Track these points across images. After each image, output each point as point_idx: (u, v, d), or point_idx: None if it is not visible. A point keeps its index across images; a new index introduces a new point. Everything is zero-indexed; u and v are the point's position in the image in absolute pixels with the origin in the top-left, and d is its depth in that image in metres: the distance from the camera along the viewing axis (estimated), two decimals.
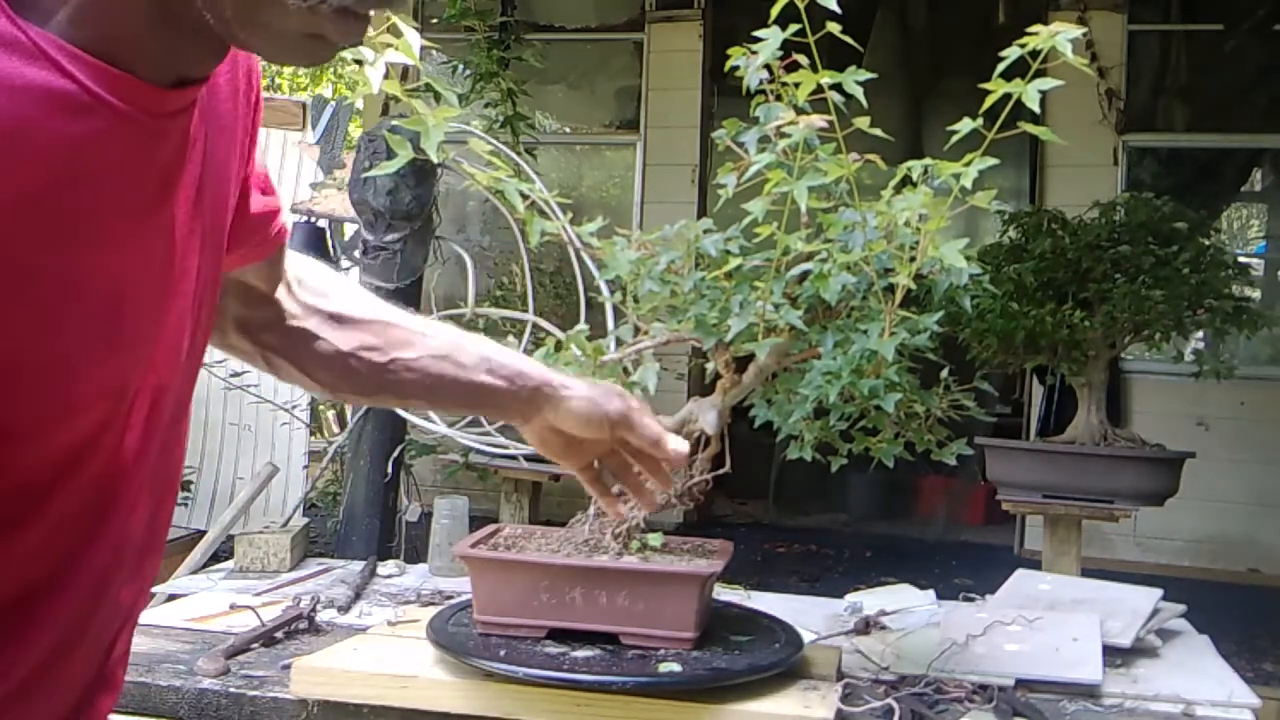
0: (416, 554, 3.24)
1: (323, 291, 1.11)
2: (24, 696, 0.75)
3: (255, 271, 1.03)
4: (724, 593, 2.00)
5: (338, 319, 1.10)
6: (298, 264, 1.10)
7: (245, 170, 0.93)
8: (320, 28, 0.70)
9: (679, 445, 1.26)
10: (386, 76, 1.28)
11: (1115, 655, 1.74)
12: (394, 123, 1.57)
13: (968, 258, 1.37)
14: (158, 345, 0.79)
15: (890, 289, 1.41)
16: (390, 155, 1.47)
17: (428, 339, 1.15)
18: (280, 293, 1.07)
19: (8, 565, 0.72)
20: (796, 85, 1.38)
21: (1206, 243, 3.44)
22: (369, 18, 0.73)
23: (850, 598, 2.07)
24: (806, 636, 1.67)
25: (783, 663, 1.52)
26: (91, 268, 0.70)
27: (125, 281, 0.73)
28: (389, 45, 1.22)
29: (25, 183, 0.64)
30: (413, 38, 1.22)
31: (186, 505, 5.07)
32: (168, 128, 0.74)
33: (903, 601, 2.03)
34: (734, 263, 1.50)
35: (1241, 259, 6.59)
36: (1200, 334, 5.18)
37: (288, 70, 12.25)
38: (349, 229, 4.46)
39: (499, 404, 1.22)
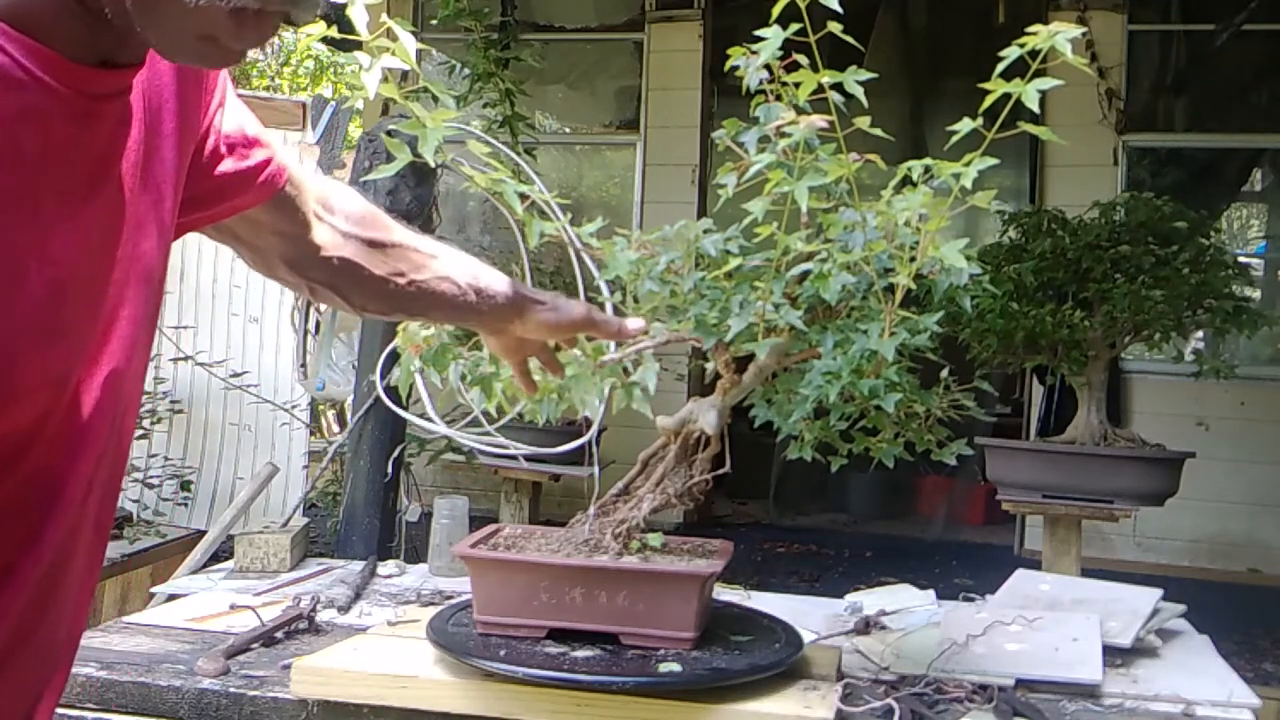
0: (416, 554, 3.24)
1: (356, 217, 1.21)
2: None
3: (268, 214, 1.08)
4: (724, 593, 2.00)
5: (372, 245, 1.21)
6: (327, 191, 1.18)
7: (204, 141, 0.93)
8: (214, 29, 0.69)
9: (636, 323, 1.47)
10: (384, 80, 1.28)
11: (1115, 655, 1.74)
12: (391, 125, 1.57)
13: (968, 258, 1.37)
14: (110, 334, 0.78)
15: (890, 289, 1.41)
16: (390, 156, 1.47)
17: (434, 261, 1.28)
18: (314, 226, 1.14)
19: None
20: (797, 85, 1.38)
21: (1206, 243, 3.45)
22: (271, 23, 0.72)
23: (850, 598, 2.07)
24: (806, 636, 1.67)
25: (783, 663, 1.52)
26: (28, 249, 0.69)
27: (64, 266, 0.72)
28: (385, 49, 1.22)
29: None
30: (409, 41, 1.22)
31: (186, 505, 5.07)
32: (102, 110, 0.73)
33: (903, 601, 2.03)
34: (734, 263, 1.50)
35: (1241, 259, 6.59)
36: (1200, 334, 5.18)
37: (288, 70, 12.25)
38: None
39: (482, 319, 1.37)
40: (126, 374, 0.82)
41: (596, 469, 2.01)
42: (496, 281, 1.35)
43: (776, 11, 1.33)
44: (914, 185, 1.41)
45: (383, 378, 2.64)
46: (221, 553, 3.07)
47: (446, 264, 1.30)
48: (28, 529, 0.76)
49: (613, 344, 1.66)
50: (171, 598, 2.07)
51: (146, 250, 0.83)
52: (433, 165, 1.47)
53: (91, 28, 0.71)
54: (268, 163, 1.03)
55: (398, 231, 1.26)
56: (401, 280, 1.24)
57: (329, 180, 1.22)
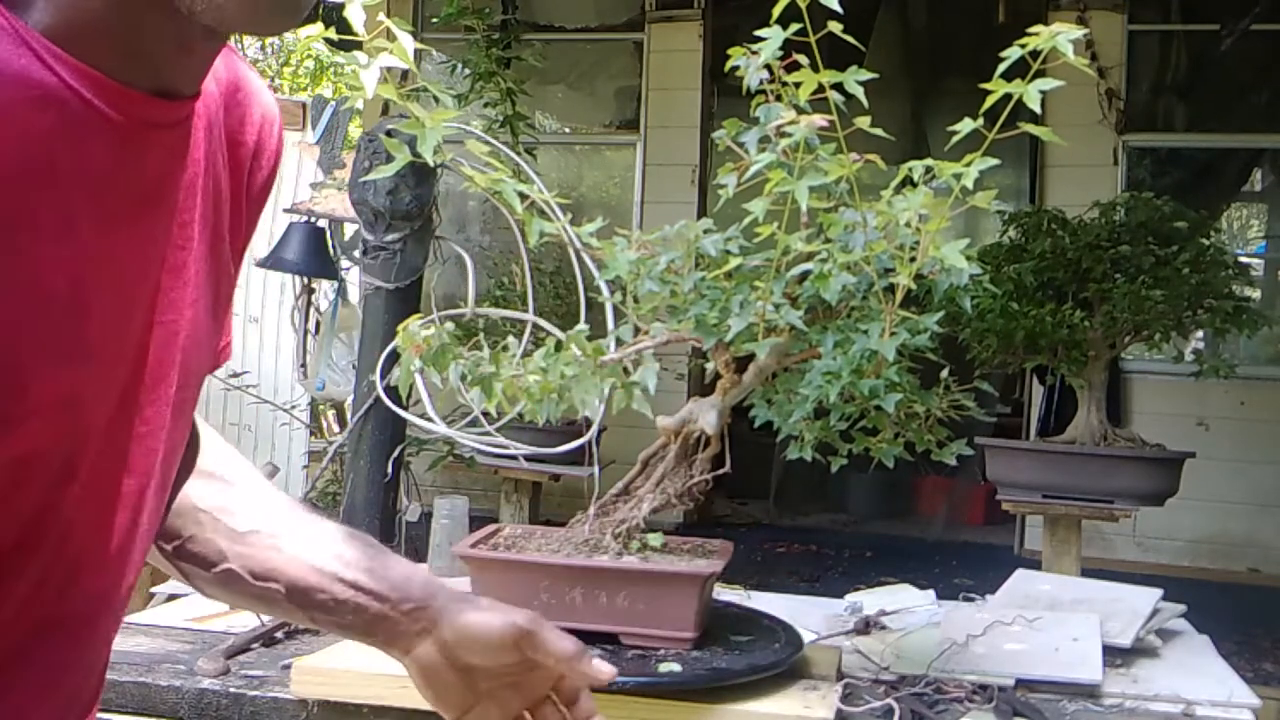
0: (416, 554, 3.23)
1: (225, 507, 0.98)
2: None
3: None
4: (724, 593, 2.00)
5: (233, 536, 0.97)
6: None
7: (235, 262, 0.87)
8: None
9: (604, 667, 1.05)
10: (382, 81, 1.28)
11: (1115, 655, 1.74)
12: (391, 126, 1.57)
13: (968, 258, 1.36)
14: (141, 369, 0.76)
15: (890, 289, 1.41)
16: (390, 156, 1.47)
17: (300, 558, 0.98)
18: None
19: None
20: (797, 85, 1.38)
21: (1206, 243, 3.45)
22: None
23: (850, 598, 2.07)
24: (806, 636, 1.67)
25: (783, 663, 1.52)
26: (53, 265, 0.67)
27: (91, 289, 0.70)
28: (384, 49, 1.22)
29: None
30: (407, 41, 1.22)
31: None
32: (152, 140, 0.72)
33: (903, 601, 2.03)
34: (734, 263, 1.50)
35: (1241, 259, 6.60)
36: (1200, 334, 5.18)
37: (288, 70, 12.25)
38: (349, 229, 4.46)
39: (375, 626, 0.99)
40: (139, 417, 0.78)
41: (596, 469, 2.01)
42: (400, 571, 1.01)
43: (777, 11, 1.33)
44: (914, 185, 1.41)
45: (383, 378, 2.64)
46: None
47: (322, 553, 0.98)
48: (24, 560, 0.72)
49: (613, 344, 1.66)
50: (171, 597, 2.06)
51: (194, 301, 0.80)
52: (432, 165, 1.47)
53: (141, 37, 0.69)
54: (229, 334, 0.93)
55: (259, 509, 0.98)
56: (245, 574, 0.96)
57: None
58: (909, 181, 1.42)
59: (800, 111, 1.38)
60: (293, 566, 0.97)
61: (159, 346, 0.77)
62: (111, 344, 0.73)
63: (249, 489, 1.00)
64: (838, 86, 1.34)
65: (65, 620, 0.76)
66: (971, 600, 2.04)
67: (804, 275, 1.46)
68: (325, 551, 0.98)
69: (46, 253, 0.67)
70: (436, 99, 1.43)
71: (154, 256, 0.75)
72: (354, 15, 1.14)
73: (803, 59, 1.36)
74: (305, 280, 4.70)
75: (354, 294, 4.24)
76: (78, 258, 0.69)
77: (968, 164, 1.36)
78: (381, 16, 1.20)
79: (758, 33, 1.39)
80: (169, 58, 0.72)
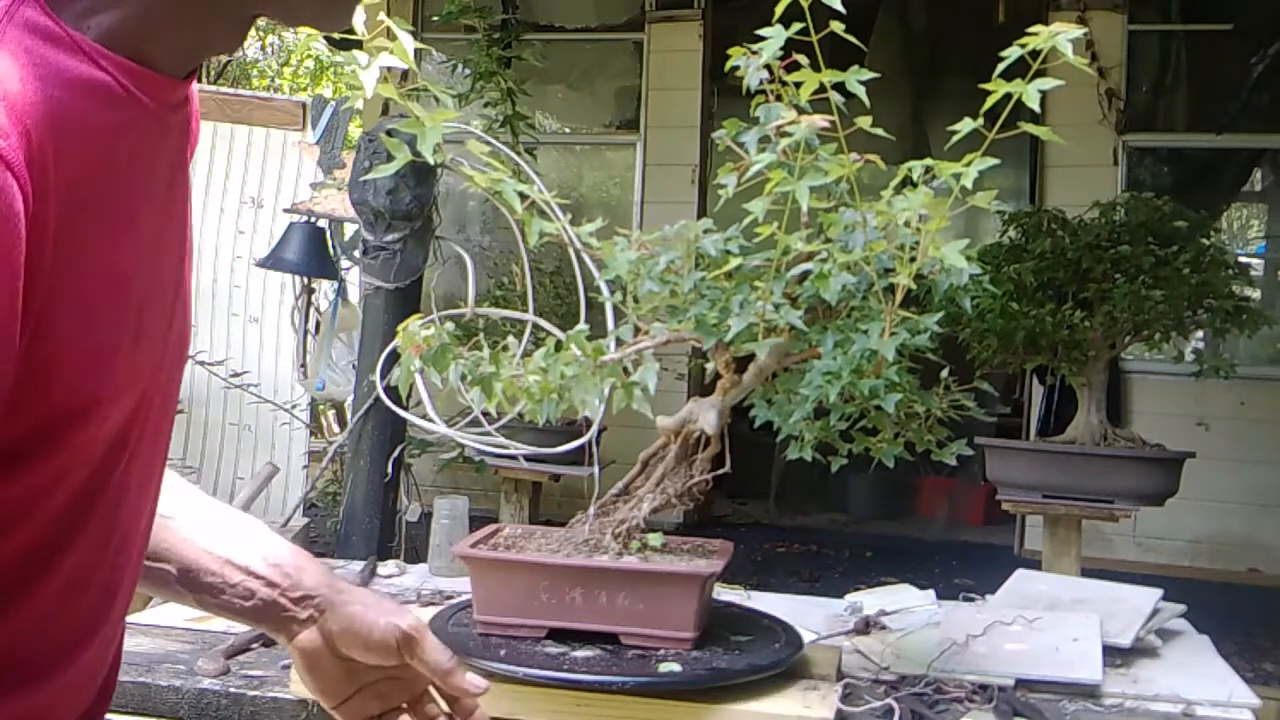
0: (416, 554, 3.24)
1: None
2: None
3: None
4: (724, 593, 2.00)
5: None
6: None
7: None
8: None
9: (476, 681, 1.02)
10: (383, 80, 1.28)
11: (1115, 655, 1.74)
12: (391, 125, 1.57)
13: (968, 258, 1.36)
14: (166, 343, 0.79)
15: (890, 289, 1.41)
16: (390, 156, 1.47)
17: (193, 540, 0.97)
18: None
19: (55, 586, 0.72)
20: (797, 85, 1.38)
21: (1207, 243, 3.45)
22: None
23: (850, 598, 2.07)
24: (806, 636, 1.67)
25: (783, 663, 1.52)
26: (121, 253, 0.70)
27: (145, 271, 0.73)
28: (384, 49, 1.22)
29: (80, 171, 0.65)
30: (407, 41, 1.22)
31: None
32: (171, 119, 0.74)
33: (903, 601, 2.03)
34: (734, 263, 1.50)
35: (1241, 259, 6.60)
36: (1200, 334, 5.18)
37: (288, 70, 12.25)
38: (349, 229, 4.47)
39: (264, 611, 0.99)
40: (172, 387, 0.82)
41: (596, 469, 2.01)
42: (288, 558, 1.01)
43: (779, 10, 1.33)
44: (914, 185, 1.41)
45: (383, 378, 2.64)
46: None
47: (218, 531, 0.98)
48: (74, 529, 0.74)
49: (613, 344, 1.66)
50: None
51: (189, 263, 0.83)
52: (432, 164, 1.47)
53: (201, 31, 0.72)
54: None
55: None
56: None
57: None
58: (909, 181, 1.42)
59: (800, 111, 1.38)
60: (186, 548, 0.96)
61: (180, 318, 0.81)
62: (159, 321, 0.76)
63: None
64: (838, 86, 1.34)
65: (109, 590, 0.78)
66: (971, 600, 2.04)
67: (804, 275, 1.46)
68: (220, 535, 0.98)
69: (117, 241, 0.70)
70: (437, 99, 1.43)
71: (178, 231, 0.79)
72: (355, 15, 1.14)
73: (803, 59, 1.36)
74: (305, 280, 4.71)
75: (354, 294, 4.24)
76: (138, 243, 0.72)
77: (968, 164, 1.36)
78: (382, 16, 1.20)
79: (758, 32, 1.39)
80: (208, 48, 0.74)
